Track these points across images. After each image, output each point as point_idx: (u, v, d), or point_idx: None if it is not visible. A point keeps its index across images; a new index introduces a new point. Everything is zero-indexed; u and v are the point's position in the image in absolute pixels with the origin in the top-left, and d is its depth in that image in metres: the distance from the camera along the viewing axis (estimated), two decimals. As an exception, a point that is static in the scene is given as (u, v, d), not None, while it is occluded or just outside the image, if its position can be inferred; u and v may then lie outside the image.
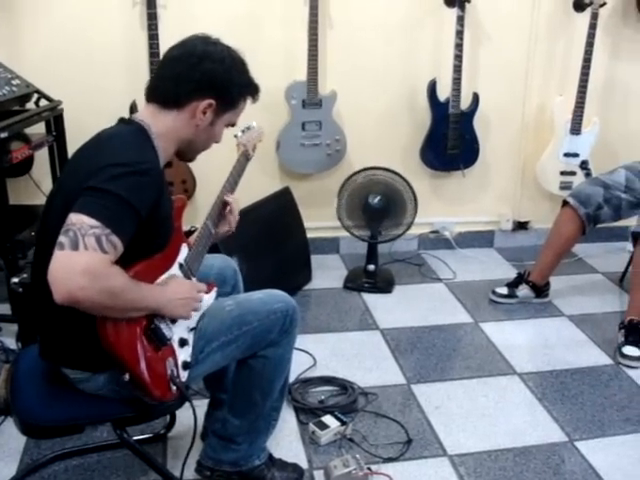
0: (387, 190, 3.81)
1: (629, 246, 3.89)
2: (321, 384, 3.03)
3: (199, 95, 1.98)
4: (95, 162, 1.81)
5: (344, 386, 2.99)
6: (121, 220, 1.74)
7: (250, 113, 3.78)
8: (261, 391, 2.30)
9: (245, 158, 2.45)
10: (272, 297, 2.27)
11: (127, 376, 1.86)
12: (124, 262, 1.77)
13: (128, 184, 1.76)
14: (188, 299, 1.97)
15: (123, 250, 1.75)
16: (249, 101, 2.13)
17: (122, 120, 2.04)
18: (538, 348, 3.46)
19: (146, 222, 1.81)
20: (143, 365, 1.85)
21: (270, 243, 3.67)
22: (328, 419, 2.74)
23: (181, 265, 2.08)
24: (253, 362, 2.25)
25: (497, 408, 2.95)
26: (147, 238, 1.88)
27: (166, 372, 1.93)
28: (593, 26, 4.04)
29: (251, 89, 2.10)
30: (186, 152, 2.12)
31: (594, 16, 4.03)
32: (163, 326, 1.94)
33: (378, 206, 3.79)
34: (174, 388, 1.94)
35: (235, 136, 2.43)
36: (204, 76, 1.98)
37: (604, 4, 4.05)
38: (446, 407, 2.94)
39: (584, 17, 4.08)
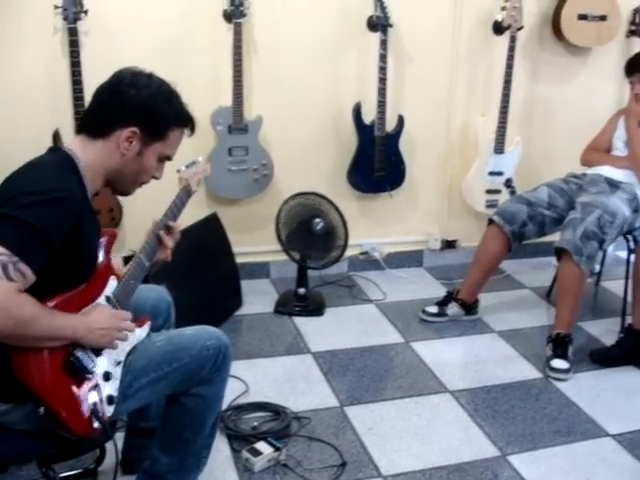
0: (322, 216, 3.82)
1: (554, 261, 3.97)
2: (254, 410, 3.00)
3: (122, 123, 1.96)
4: (10, 190, 1.78)
5: (277, 411, 2.97)
6: (31, 248, 1.70)
7: (175, 139, 3.80)
8: (192, 429, 2.27)
9: (186, 193, 2.38)
10: (204, 333, 2.23)
11: (42, 410, 1.79)
12: (45, 292, 1.73)
13: (40, 212, 1.72)
14: (110, 329, 1.92)
15: (34, 279, 1.71)
16: (185, 134, 2.10)
17: (50, 149, 2.02)
18: (469, 365, 3.50)
19: (63, 251, 1.77)
20: (57, 398, 1.79)
21: (198, 270, 3.64)
22: (261, 445, 2.71)
23: (108, 298, 2.02)
24: (185, 399, 2.21)
25: (430, 427, 2.97)
26: (67, 268, 1.83)
27: (87, 407, 1.86)
28: (512, 49, 4.14)
29: (180, 120, 2.06)
30: (118, 183, 2.08)
31: (512, 39, 4.14)
32: (84, 358, 1.87)
33: (316, 231, 3.80)
34: (96, 424, 1.88)
35: (178, 170, 2.38)
36: (125, 103, 1.96)
37: (522, 28, 4.16)
38: (379, 428, 2.95)
39: (503, 40, 4.18)
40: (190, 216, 3.66)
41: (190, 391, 2.19)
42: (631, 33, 4.57)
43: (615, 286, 4.28)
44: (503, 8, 4.13)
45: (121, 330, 1.97)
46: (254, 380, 3.23)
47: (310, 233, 3.80)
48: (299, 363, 3.43)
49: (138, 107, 1.97)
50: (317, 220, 3.80)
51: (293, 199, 3.83)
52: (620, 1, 4.39)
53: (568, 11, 4.29)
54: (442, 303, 3.90)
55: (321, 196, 3.84)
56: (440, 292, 4.05)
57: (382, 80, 3.97)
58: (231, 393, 3.04)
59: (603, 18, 4.35)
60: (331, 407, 3.08)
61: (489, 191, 4.37)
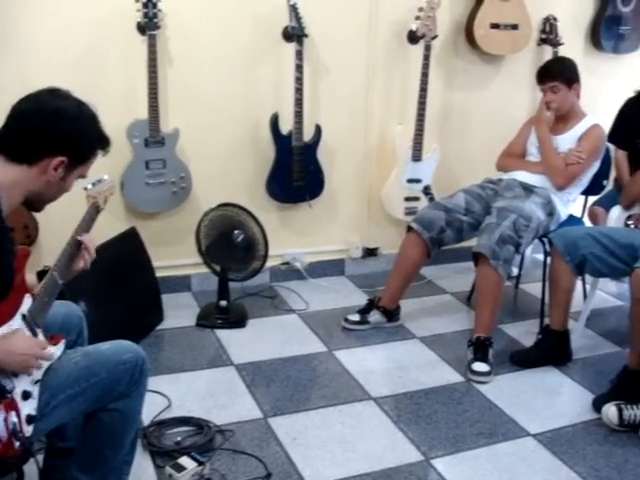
0: (241, 227, 3.80)
1: (473, 266, 4.03)
2: (177, 425, 2.96)
3: (51, 153, 1.95)
4: None
5: (200, 425, 2.93)
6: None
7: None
8: (111, 445, 2.23)
9: (95, 210, 2.38)
10: (121, 348, 2.21)
11: (-44, 430, 1.75)
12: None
13: None
14: (29, 355, 1.91)
15: None
16: (100, 154, 2.12)
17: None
18: (392, 371, 3.52)
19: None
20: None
21: (118, 285, 3.57)
22: (185, 460, 2.67)
23: (24, 316, 1.99)
24: (102, 415, 2.17)
25: (354, 434, 2.97)
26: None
27: (7, 427, 1.83)
28: (427, 57, 4.20)
29: (102, 143, 2.09)
30: (35, 203, 2.08)
31: (427, 48, 4.19)
32: (2, 377, 1.84)
33: (237, 243, 3.77)
34: (17, 444, 1.84)
35: (85, 188, 2.35)
36: (57, 135, 1.95)
37: (436, 37, 4.22)
38: (304, 437, 2.93)
39: (418, 49, 4.24)
40: (108, 231, 3.62)
41: (108, 406, 2.16)
42: (542, 41, 4.69)
43: (534, 288, 4.36)
44: (417, 18, 4.18)
45: (38, 358, 1.95)
46: (177, 395, 3.19)
47: (230, 245, 3.78)
48: (222, 376, 3.40)
49: (68, 139, 1.97)
50: (237, 232, 3.78)
51: (213, 211, 3.80)
52: (531, 10, 4.50)
53: (481, 20, 4.38)
54: (364, 311, 3.91)
55: (240, 207, 3.82)
56: (362, 300, 4.06)
57: (298, 90, 3.98)
58: (154, 408, 3.01)
59: (515, 27, 4.46)
60: (255, 419, 3.05)
61: (408, 198, 4.42)
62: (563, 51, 4.57)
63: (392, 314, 3.93)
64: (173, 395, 3.17)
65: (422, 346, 3.77)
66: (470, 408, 3.21)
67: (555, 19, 4.63)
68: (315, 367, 3.51)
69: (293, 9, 3.92)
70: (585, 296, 4.08)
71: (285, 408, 3.14)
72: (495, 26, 4.41)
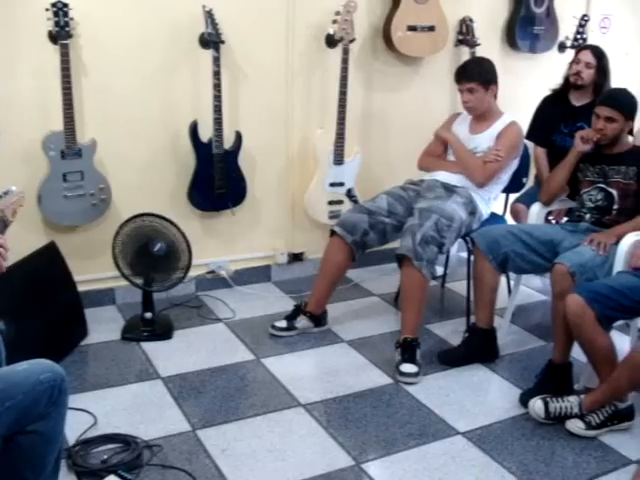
0: (160, 236, 3.73)
1: (400, 267, 4.06)
2: (103, 443, 2.88)
3: None
4: None
5: (127, 441, 2.87)
6: None
7: (7, 167, 3.64)
8: (32, 468, 2.16)
9: (2, 223, 2.30)
10: (37, 367, 2.13)
11: None
12: None
13: None
14: None
15: None
16: None
17: None
18: (321, 376, 3.51)
19: None
20: None
21: (38, 302, 3.46)
22: (112, 479, 2.61)
23: None
24: (21, 438, 2.10)
25: (284, 442, 2.95)
26: None
27: None
28: (345, 61, 4.20)
29: None
30: None
31: (345, 51, 4.19)
32: None
33: (155, 253, 3.70)
34: None
35: None
36: None
37: (354, 40, 4.22)
38: (233, 448, 2.90)
39: (337, 53, 4.23)
40: (26, 247, 3.52)
41: (26, 429, 2.09)
42: (459, 42, 4.74)
43: (460, 287, 4.41)
44: (334, 21, 4.18)
45: None
46: (103, 411, 3.11)
47: (150, 255, 3.70)
48: (149, 390, 3.33)
49: None
50: (155, 241, 3.71)
51: (129, 223, 3.72)
52: (447, 12, 4.55)
53: (397, 23, 4.40)
54: (291, 317, 3.89)
55: (158, 216, 3.74)
56: (289, 306, 4.05)
57: (217, 97, 3.94)
58: (79, 427, 2.93)
59: (432, 29, 4.50)
60: (183, 432, 3.00)
61: (331, 202, 4.42)
62: (480, 51, 4.62)
63: (319, 319, 3.92)
64: (99, 412, 3.09)
65: (350, 350, 3.76)
66: (399, 410, 3.22)
67: (471, 20, 4.69)
68: (243, 376, 3.48)
69: (209, 15, 3.87)
70: (510, 292, 4.13)
71: (214, 419, 3.10)
72: (412, 28, 4.44)
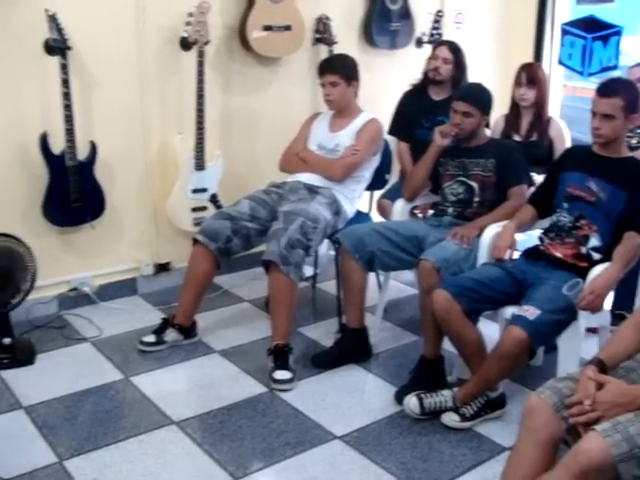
0: (7, 256, 3.52)
1: (269, 272, 4.01)
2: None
3: None
4: None
5: (-16, 482, 2.69)
6: None
7: None
8: None
9: None
10: None
11: None
12: None
13: None
14: None
15: None
16: None
17: None
18: (193, 391, 3.41)
19: None
20: None
21: None
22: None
23: None
24: None
25: (158, 465, 2.83)
26: None
27: None
28: (201, 63, 4.10)
29: None
30: None
31: (201, 54, 4.09)
32: None
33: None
34: None
35: None
36: None
37: (209, 42, 4.13)
38: (105, 476, 2.76)
39: (192, 55, 4.12)
40: None
41: None
42: (317, 41, 4.71)
43: (331, 286, 4.36)
44: (188, 23, 4.06)
45: None
46: (-43, 451, 2.90)
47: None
48: (10, 422, 3.11)
49: None
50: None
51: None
52: (303, 11, 4.51)
53: (253, 23, 4.33)
54: (159, 331, 3.75)
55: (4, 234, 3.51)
56: (159, 319, 3.90)
57: (67, 107, 3.75)
58: None
59: (288, 28, 4.45)
60: (49, 464, 2.82)
61: (195, 209, 4.30)
62: (338, 49, 4.61)
63: (189, 330, 3.80)
64: (-48, 452, 2.89)
65: (222, 360, 3.67)
66: (275, 419, 3.16)
67: (328, 18, 4.67)
68: (112, 397, 3.32)
69: (52, 20, 3.68)
70: (380, 288, 4.13)
71: (82, 447, 2.93)
72: (268, 28, 4.37)
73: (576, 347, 3.06)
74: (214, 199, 4.24)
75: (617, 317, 3.51)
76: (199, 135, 4.18)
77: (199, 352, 3.75)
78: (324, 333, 3.94)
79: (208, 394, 3.35)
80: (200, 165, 4.24)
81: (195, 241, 3.71)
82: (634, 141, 3.98)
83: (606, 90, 3.06)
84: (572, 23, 5.06)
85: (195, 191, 4.28)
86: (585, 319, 3.02)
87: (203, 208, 4.31)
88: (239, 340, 3.87)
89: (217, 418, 3.16)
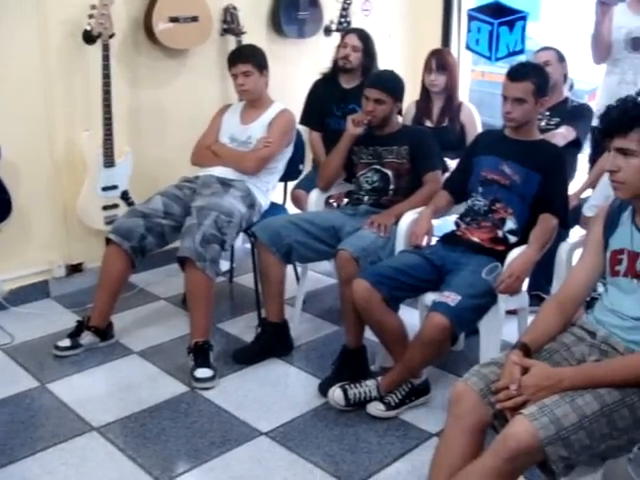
0: None
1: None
2: None
3: None
4: None
5: None
6: None
7: None
8: None
9: None
10: None
11: None
12: None
13: None
14: None
15: None
16: None
17: None
18: (113, 394, 3.33)
19: None
20: None
21: None
22: None
23: None
24: None
25: (79, 473, 2.75)
26: None
27: None
28: (106, 57, 3.98)
29: None
30: None
31: (105, 47, 3.97)
32: None
33: None
34: None
35: None
36: None
37: (113, 35, 4.00)
38: (22, 490, 2.67)
39: (97, 49, 3.99)
40: None
41: None
42: (225, 31, 4.63)
43: (249, 280, 4.29)
44: (91, 16, 3.93)
45: None
46: None
47: None
48: None
49: None
50: None
51: None
52: (210, 1, 4.43)
53: (158, 15, 4.22)
54: (74, 334, 3.63)
55: None
56: (73, 322, 3.76)
57: (-34, 106, 3.62)
58: None
59: (195, 19, 4.36)
60: (-43, 485, 2.71)
61: (106, 207, 4.17)
62: (247, 39, 4.54)
63: (105, 332, 3.68)
64: None
65: (142, 361, 3.58)
66: (199, 418, 3.10)
67: (235, 8, 4.59)
68: (28, 407, 3.19)
69: (-54, 17, 3.54)
70: (298, 280, 4.10)
71: (-5, 464, 2.82)
72: (174, 19, 4.28)
73: (497, 330, 3.10)
74: (125, 196, 4.14)
75: (534, 298, 3.58)
76: (107, 131, 4.05)
77: (117, 354, 3.64)
78: (244, 328, 3.90)
79: (128, 397, 3.26)
80: (109, 162, 4.11)
81: (108, 240, 3.60)
82: (543, 123, 4.06)
83: (517, 74, 3.11)
84: (478, 9, 5.10)
85: (105, 189, 4.15)
86: (504, 302, 3.06)
87: (115, 206, 4.19)
88: (158, 339, 3.78)
89: (139, 421, 3.08)
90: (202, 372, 3.33)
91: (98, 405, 3.20)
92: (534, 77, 3.11)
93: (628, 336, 2.30)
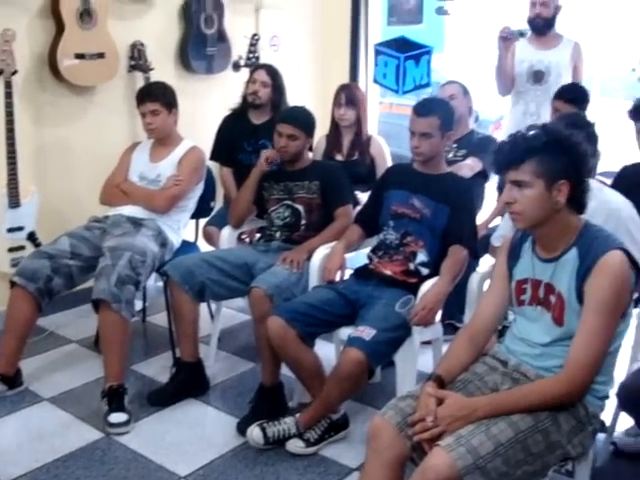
0: None
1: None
2: None
3: None
4: None
5: None
6: None
7: None
8: None
9: None
10: None
11: None
12: None
13: None
14: None
15: None
16: None
17: None
18: (23, 445, 3.17)
19: None
20: None
21: None
22: None
23: None
24: None
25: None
26: None
27: None
28: (9, 95, 3.91)
29: None
30: None
31: (8, 85, 3.90)
32: None
33: None
34: None
35: None
36: None
37: (16, 72, 3.93)
38: None
39: (-1, 86, 3.92)
40: None
41: None
42: (132, 68, 4.59)
43: (162, 319, 4.22)
44: (-7, 53, 3.86)
45: None
46: None
47: None
48: None
49: None
50: None
51: None
52: (116, 37, 4.38)
53: (63, 52, 4.16)
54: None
55: None
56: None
57: None
58: None
59: (101, 55, 4.31)
60: None
61: (12, 249, 4.05)
62: (155, 76, 4.50)
63: (13, 380, 3.53)
64: None
65: (53, 407, 3.45)
66: (115, 465, 3.01)
67: (142, 44, 4.55)
68: None
69: None
70: (212, 317, 4.05)
71: None
72: (80, 56, 4.22)
73: (412, 362, 3.12)
74: (32, 237, 4.03)
75: (448, 327, 3.63)
76: (11, 170, 3.96)
77: (26, 402, 3.50)
78: (159, 369, 3.82)
79: (40, 447, 3.13)
80: (14, 202, 4.01)
81: (12, 283, 3.48)
82: (450, 155, 4.14)
83: (422, 110, 3.18)
84: (385, 44, 5.20)
85: (11, 230, 4.04)
86: (419, 334, 3.09)
87: (21, 248, 4.07)
88: (69, 384, 3.65)
89: (51, 472, 2.96)
90: (116, 417, 3.24)
91: (7, 457, 3.05)
92: (439, 112, 3.19)
93: (537, 363, 2.36)
